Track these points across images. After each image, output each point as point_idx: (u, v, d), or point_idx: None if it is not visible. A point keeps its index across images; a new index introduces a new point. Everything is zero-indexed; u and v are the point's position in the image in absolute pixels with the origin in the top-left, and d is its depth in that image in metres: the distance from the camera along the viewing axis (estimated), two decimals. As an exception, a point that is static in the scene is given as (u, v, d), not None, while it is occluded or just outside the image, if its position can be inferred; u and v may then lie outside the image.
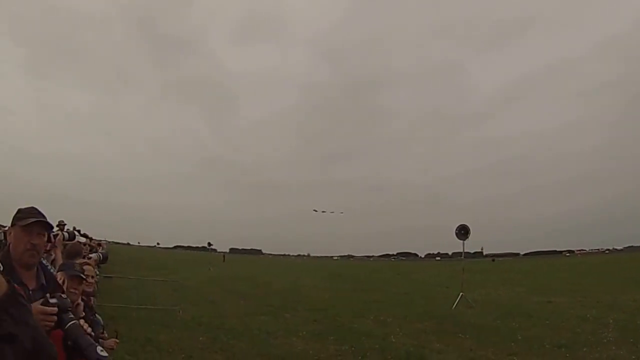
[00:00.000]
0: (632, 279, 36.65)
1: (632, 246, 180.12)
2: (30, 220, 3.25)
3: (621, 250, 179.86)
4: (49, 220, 3.43)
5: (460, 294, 23.11)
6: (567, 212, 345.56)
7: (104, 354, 2.44)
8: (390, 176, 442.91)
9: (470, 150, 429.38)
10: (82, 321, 2.72)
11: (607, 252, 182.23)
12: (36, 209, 3.39)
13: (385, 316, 19.38)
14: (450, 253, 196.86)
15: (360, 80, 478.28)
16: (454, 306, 22.20)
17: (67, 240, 6.39)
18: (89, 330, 2.70)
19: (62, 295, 2.73)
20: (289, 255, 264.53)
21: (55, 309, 2.57)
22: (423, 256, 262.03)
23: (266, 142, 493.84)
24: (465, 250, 26.90)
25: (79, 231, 10.23)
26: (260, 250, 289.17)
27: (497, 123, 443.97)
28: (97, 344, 2.50)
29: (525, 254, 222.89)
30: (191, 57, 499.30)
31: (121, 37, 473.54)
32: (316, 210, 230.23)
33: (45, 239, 3.46)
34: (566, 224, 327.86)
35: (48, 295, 2.70)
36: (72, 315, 2.64)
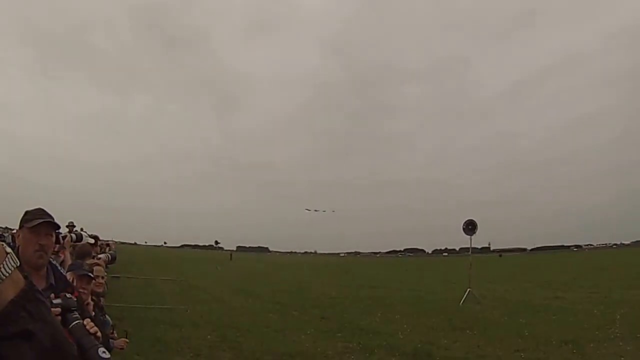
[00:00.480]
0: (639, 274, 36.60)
1: (639, 241, 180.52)
2: (37, 221, 3.29)
3: (628, 245, 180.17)
4: (56, 221, 3.47)
5: (468, 289, 23.05)
6: (575, 208, 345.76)
7: (106, 355, 2.44)
8: (398, 172, 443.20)
9: (479, 145, 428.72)
10: (87, 320, 2.73)
11: (614, 247, 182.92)
12: (43, 210, 3.43)
13: (392, 313, 19.38)
14: (457, 249, 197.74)
15: (369, 77, 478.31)
16: (462, 302, 22.17)
17: (75, 242, 6.44)
18: (94, 330, 2.70)
19: (67, 295, 2.75)
20: (295, 252, 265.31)
21: (58, 309, 2.59)
22: (430, 252, 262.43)
23: (275, 141, 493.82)
24: (473, 246, 26.80)
25: (86, 232, 10.29)
26: (267, 248, 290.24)
27: (505, 118, 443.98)
28: (100, 345, 2.51)
29: (532, 249, 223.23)
30: (200, 56, 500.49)
31: (130, 37, 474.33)
32: (309, 210, 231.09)
33: (53, 239, 3.50)
34: (574, 220, 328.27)
35: (52, 295, 2.73)
36: (76, 315, 2.65)
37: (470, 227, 25.31)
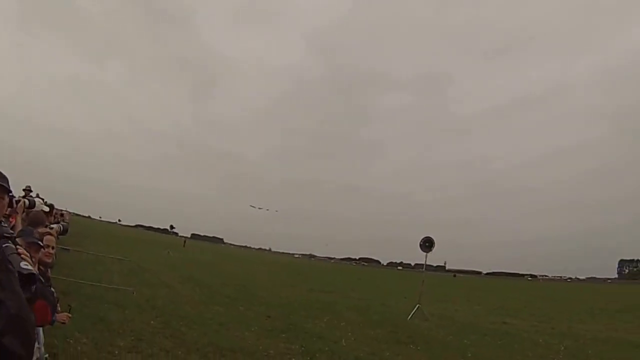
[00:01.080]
0: (590, 309, 37.50)
1: (594, 277, 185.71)
2: None
3: (583, 280, 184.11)
4: (10, 184, 3.37)
5: (417, 305, 23.23)
6: (535, 238, 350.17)
7: (28, 267, 2.43)
8: (366, 180, 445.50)
9: (451, 163, 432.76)
10: (20, 249, 2.72)
11: (569, 280, 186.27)
12: None
13: (339, 320, 19.41)
14: (412, 264, 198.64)
15: (351, 80, 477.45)
16: (410, 317, 22.35)
17: (28, 208, 6.29)
18: (24, 253, 2.69)
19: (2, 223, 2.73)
20: (250, 247, 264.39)
21: None
22: (385, 264, 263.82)
23: (247, 132, 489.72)
24: (428, 263, 27.01)
25: (43, 199, 10.08)
26: (221, 239, 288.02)
27: (482, 140, 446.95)
28: (22, 259, 2.50)
29: (488, 274, 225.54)
30: (185, 35, 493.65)
31: (115, 3, 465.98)
32: (253, 207, 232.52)
33: (5, 202, 3.39)
34: (532, 249, 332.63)
35: None
36: (9, 242, 2.63)
37: (427, 244, 25.48)
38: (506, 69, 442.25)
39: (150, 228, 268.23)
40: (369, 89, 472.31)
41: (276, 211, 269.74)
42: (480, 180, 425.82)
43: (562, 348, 17.04)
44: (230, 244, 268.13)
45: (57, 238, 8.14)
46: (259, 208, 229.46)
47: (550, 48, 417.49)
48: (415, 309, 23.06)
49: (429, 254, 25.74)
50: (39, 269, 4.71)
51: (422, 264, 27.76)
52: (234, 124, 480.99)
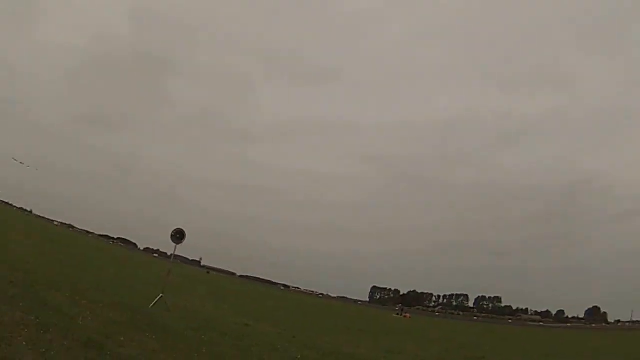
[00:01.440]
0: (336, 325, 40.11)
1: (345, 297, 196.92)
2: None
3: (334, 298, 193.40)
4: None
5: (160, 295, 23.36)
6: (296, 250, 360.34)
7: None
8: (143, 160, 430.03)
9: (231, 163, 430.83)
10: None
11: (320, 295, 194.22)
12: None
13: (81, 296, 18.63)
14: (169, 253, 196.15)
15: (158, 55, 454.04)
16: (151, 306, 22.34)
17: None
18: None
19: None
20: (11, 205, 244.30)
21: None
22: (142, 248, 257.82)
23: (38, 76, 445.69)
24: (185, 256, 27.86)
25: None
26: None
27: (267, 150, 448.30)
28: None
29: (242, 276, 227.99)
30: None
31: None
32: (15, 160, 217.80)
33: None
34: (291, 261, 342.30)
35: None
36: None
37: (178, 235, 25.83)
38: (312, 96, 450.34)
39: None
40: (170, 70, 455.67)
41: (36, 169, 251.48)
42: (258, 186, 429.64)
43: (299, 357, 17.75)
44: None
45: None
46: (21, 163, 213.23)
47: (361, 90, 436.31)
48: (158, 298, 23.17)
49: (181, 246, 26.23)
50: None
51: (177, 255, 28.15)
52: (31, 70, 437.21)
